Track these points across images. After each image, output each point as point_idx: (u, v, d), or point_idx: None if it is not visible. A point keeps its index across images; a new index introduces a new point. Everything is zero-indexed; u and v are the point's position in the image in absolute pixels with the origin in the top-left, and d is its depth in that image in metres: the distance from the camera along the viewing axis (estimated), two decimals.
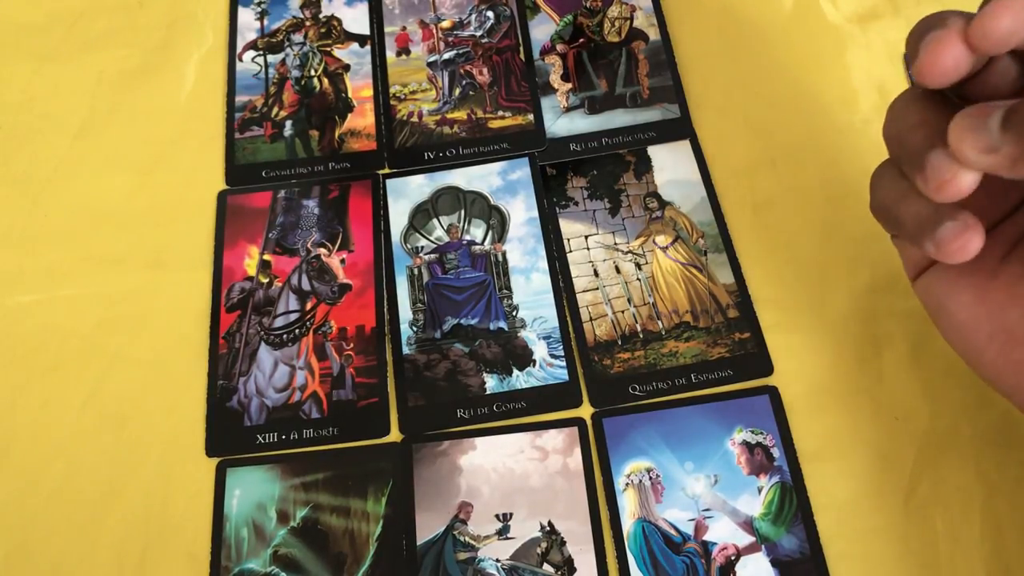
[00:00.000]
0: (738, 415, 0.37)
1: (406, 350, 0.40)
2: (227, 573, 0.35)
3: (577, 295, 0.41)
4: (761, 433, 0.37)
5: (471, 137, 0.45)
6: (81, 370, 0.40)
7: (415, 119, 0.46)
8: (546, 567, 0.35)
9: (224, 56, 0.48)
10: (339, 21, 0.49)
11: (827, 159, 0.42)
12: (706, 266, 0.41)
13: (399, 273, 0.42)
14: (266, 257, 0.42)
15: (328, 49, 0.49)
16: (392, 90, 0.47)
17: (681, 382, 0.38)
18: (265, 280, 0.42)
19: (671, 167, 0.43)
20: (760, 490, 0.36)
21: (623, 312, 0.40)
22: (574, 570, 0.35)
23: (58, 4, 0.50)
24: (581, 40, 0.48)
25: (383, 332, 0.40)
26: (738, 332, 0.39)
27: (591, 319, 0.40)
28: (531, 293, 0.41)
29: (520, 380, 0.39)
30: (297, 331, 0.40)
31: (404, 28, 0.49)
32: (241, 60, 0.48)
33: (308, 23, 0.49)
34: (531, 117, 0.45)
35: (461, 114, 0.46)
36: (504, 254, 0.42)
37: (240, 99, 0.47)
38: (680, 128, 0.44)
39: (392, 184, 0.44)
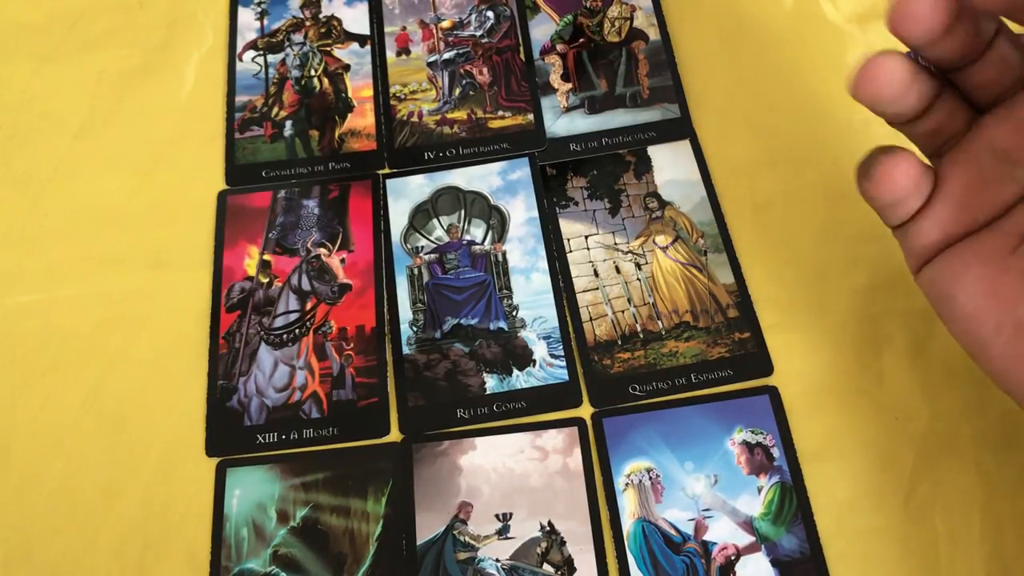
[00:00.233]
0: (738, 415, 0.37)
1: (406, 350, 0.40)
2: (227, 573, 0.35)
3: (577, 295, 0.41)
4: (761, 433, 0.37)
5: (471, 137, 0.45)
6: (81, 370, 0.40)
7: (415, 119, 0.46)
8: (546, 567, 0.35)
9: (224, 56, 0.48)
10: (339, 21, 0.49)
11: (827, 159, 0.42)
12: (706, 266, 0.41)
13: (399, 273, 0.42)
14: (266, 257, 0.42)
15: (328, 49, 0.49)
16: (392, 90, 0.47)
17: (681, 382, 0.38)
18: (265, 280, 0.42)
19: (671, 167, 0.43)
20: (760, 490, 0.36)
21: (623, 312, 0.40)
22: (574, 570, 0.35)
23: (58, 4, 0.50)
24: (581, 40, 0.48)
25: (383, 332, 0.40)
26: (738, 332, 0.39)
27: (591, 319, 0.40)
28: (531, 293, 0.41)
29: (520, 380, 0.39)
30: (297, 331, 0.40)
31: (404, 28, 0.49)
32: (241, 60, 0.48)
33: (308, 23, 0.49)
34: (531, 117, 0.45)
35: (461, 114, 0.46)
36: (504, 254, 0.42)
37: (240, 99, 0.47)
38: (680, 128, 0.44)
39: (392, 184, 0.44)
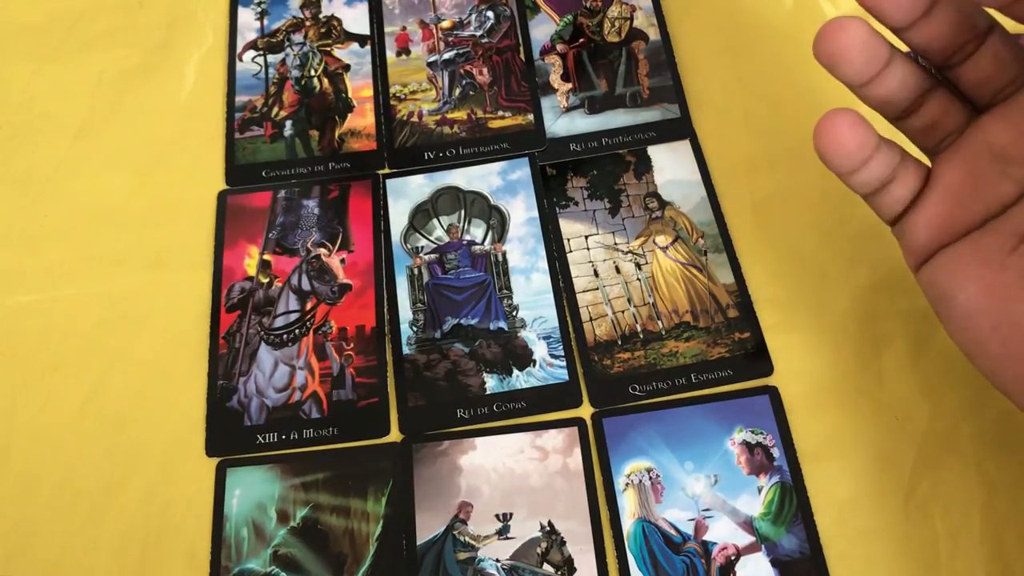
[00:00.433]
0: (738, 415, 0.37)
1: (406, 350, 0.40)
2: (227, 573, 0.35)
3: (577, 295, 0.41)
4: (761, 433, 0.37)
5: (471, 137, 0.45)
6: (81, 370, 0.40)
7: (415, 119, 0.46)
8: (546, 567, 0.35)
9: (224, 56, 0.48)
10: (339, 21, 0.49)
11: None
12: (706, 266, 0.41)
13: (399, 273, 0.42)
14: (266, 257, 0.42)
15: (328, 49, 0.49)
16: (392, 90, 0.47)
17: (681, 382, 0.38)
18: (265, 280, 0.42)
19: (671, 167, 0.43)
20: (760, 490, 0.36)
21: (623, 312, 0.40)
22: (574, 570, 0.35)
23: (58, 4, 0.50)
24: (581, 40, 0.48)
25: (383, 332, 0.40)
26: (738, 332, 0.39)
27: (591, 319, 0.40)
28: (531, 293, 0.41)
29: (520, 380, 0.39)
30: (297, 331, 0.40)
31: (404, 28, 0.49)
32: (241, 60, 0.48)
33: (308, 23, 0.49)
34: (531, 117, 0.45)
35: (461, 114, 0.46)
36: (504, 254, 0.42)
37: (240, 99, 0.47)
38: (680, 128, 0.44)
39: (392, 184, 0.44)
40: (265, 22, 0.50)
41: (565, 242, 0.42)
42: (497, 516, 0.36)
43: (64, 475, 0.37)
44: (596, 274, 0.41)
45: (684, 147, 0.44)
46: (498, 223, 0.43)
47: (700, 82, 0.46)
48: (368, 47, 0.48)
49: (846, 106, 0.29)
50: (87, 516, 0.37)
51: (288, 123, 0.46)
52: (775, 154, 0.43)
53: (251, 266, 0.42)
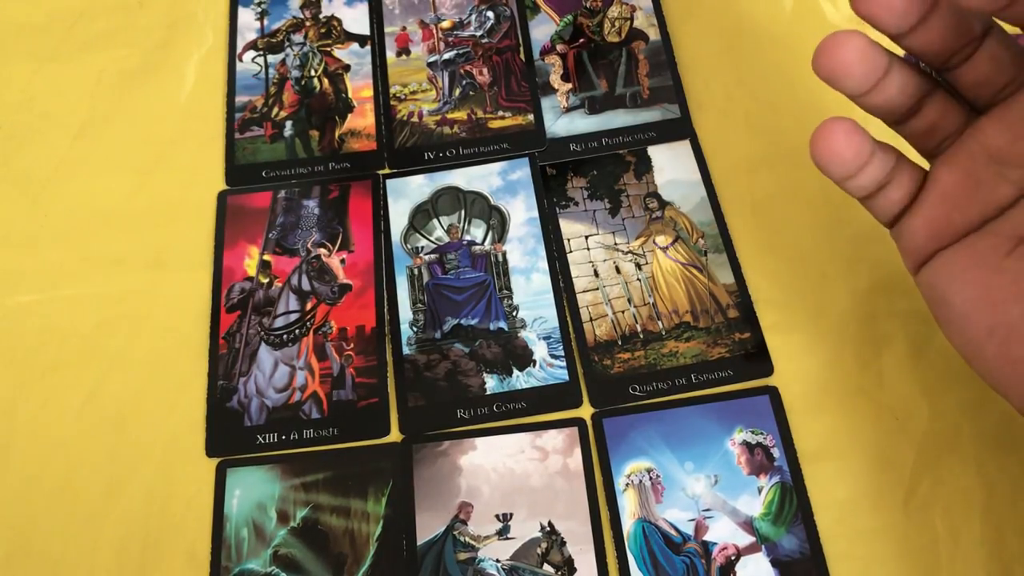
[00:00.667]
0: (738, 415, 0.37)
1: (406, 350, 0.40)
2: (227, 573, 0.35)
3: (577, 295, 0.41)
4: (761, 433, 0.37)
5: (471, 137, 0.45)
6: (81, 370, 0.40)
7: (415, 119, 0.46)
8: (546, 567, 0.35)
9: (224, 56, 0.48)
10: (339, 21, 0.49)
11: None
12: (706, 266, 0.41)
13: (399, 273, 0.42)
14: (266, 257, 0.42)
15: (328, 49, 0.49)
16: (392, 90, 0.47)
17: (681, 382, 0.38)
18: (265, 280, 0.42)
19: (671, 167, 0.43)
20: (760, 490, 0.36)
21: (623, 312, 0.40)
22: (574, 570, 0.35)
23: (58, 4, 0.50)
24: (581, 40, 0.48)
25: (383, 332, 0.40)
26: (738, 332, 0.39)
27: (591, 319, 0.40)
28: (531, 293, 0.41)
29: (520, 380, 0.39)
30: (297, 331, 0.40)
31: (404, 28, 0.49)
32: (241, 60, 0.48)
33: (308, 23, 0.49)
34: (531, 117, 0.45)
35: (461, 114, 0.46)
36: (504, 254, 0.42)
37: (240, 99, 0.47)
38: (680, 128, 0.44)
39: (392, 184, 0.44)
40: (265, 22, 0.49)
41: (565, 242, 0.42)
42: (497, 516, 0.36)
43: (64, 475, 0.37)
44: (596, 274, 0.41)
45: (684, 147, 0.44)
46: (498, 223, 0.43)
47: (700, 82, 0.46)
48: (368, 47, 0.48)
49: (845, 106, 0.29)
50: (87, 516, 0.37)
51: (288, 123, 0.46)
52: (775, 154, 0.43)
53: (251, 266, 0.42)
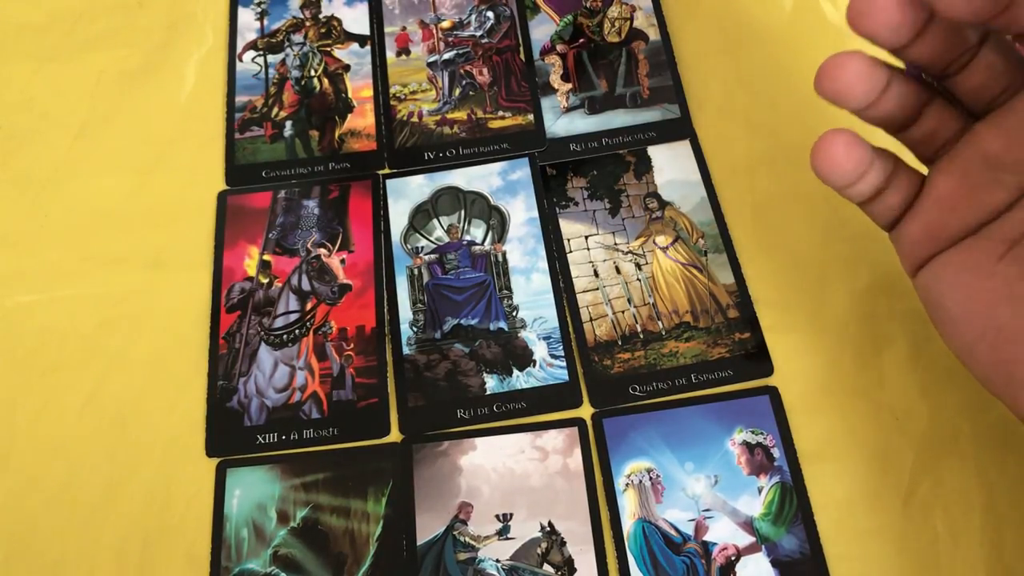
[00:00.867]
0: (738, 415, 0.37)
1: (406, 350, 0.40)
2: (227, 573, 0.35)
3: (577, 295, 0.41)
4: (761, 433, 0.37)
5: (471, 137, 0.45)
6: (81, 370, 0.40)
7: (415, 119, 0.46)
8: (546, 567, 0.35)
9: (224, 56, 0.48)
10: (339, 21, 0.49)
11: None
12: (706, 266, 0.41)
13: (399, 273, 0.42)
14: (266, 257, 0.42)
15: (328, 49, 0.49)
16: (392, 90, 0.47)
17: (681, 382, 0.38)
18: (265, 280, 0.42)
19: (671, 167, 0.43)
20: (760, 490, 0.36)
21: (623, 312, 0.40)
22: (574, 570, 0.35)
23: (58, 4, 0.50)
24: (581, 40, 0.48)
25: (383, 332, 0.40)
26: (738, 332, 0.39)
27: (591, 319, 0.40)
28: (531, 293, 0.41)
29: (520, 380, 0.39)
30: (297, 331, 0.40)
31: (404, 28, 0.49)
32: (241, 60, 0.48)
33: (308, 23, 0.49)
34: (531, 117, 0.45)
35: (461, 114, 0.46)
36: (504, 254, 0.42)
37: (240, 99, 0.47)
38: (680, 128, 0.44)
39: (392, 184, 0.44)
40: (265, 22, 0.49)
41: (565, 242, 0.42)
42: (497, 516, 0.36)
43: (64, 475, 0.37)
44: (596, 274, 0.41)
45: (684, 147, 0.44)
46: (498, 223, 0.43)
47: (700, 82, 0.46)
48: (368, 47, 0.48)
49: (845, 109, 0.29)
50: (87, 516, 0.37)
51: (288, 123, 0.46)
52: (775, 154, 0.43)
53: (251, 266, 0.42)
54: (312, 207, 0.44)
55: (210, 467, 0.38)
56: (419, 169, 0.44)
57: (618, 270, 0.41)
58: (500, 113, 0.46)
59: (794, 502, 0.35)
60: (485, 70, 0.47)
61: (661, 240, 0.42)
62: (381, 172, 0.44)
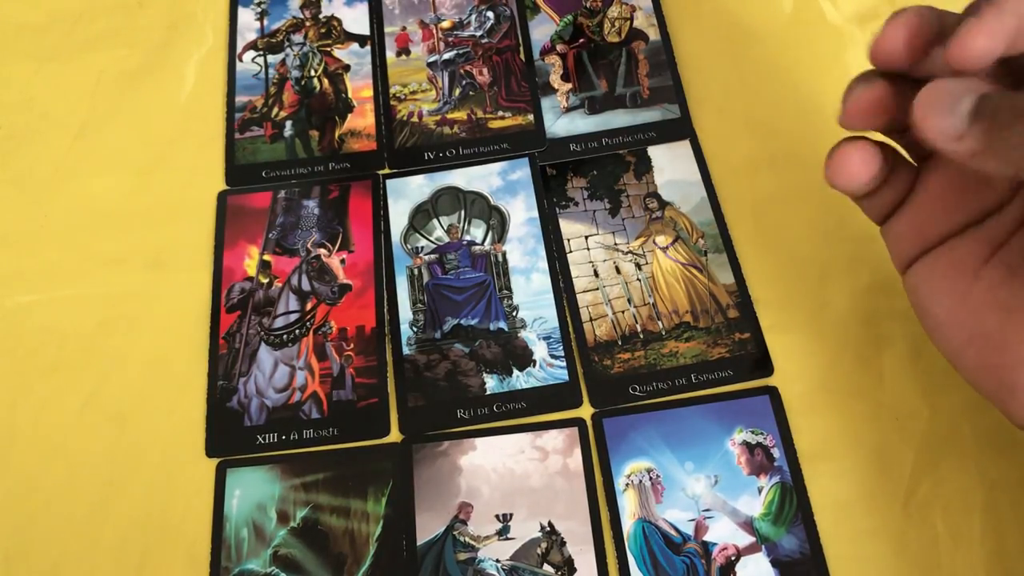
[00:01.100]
0: (738, 415, 0.37)
1: (406, 350, 0.40)
2: (227, 574, 0.35)
3: (577, 295, 0.41)
4: (761, 433, 0.37)
5: (471, 137, 0.45)
6: (81, 370, 0.40)
7: (415, 119, 0.46)
8: (546, 567, 0.35)
9: (224, 56, 0.48)
10: (339, 21, 0.49)
11: None
12: (706, 266, 0.41)
13: (399, 273, 0.42)
14: (266, 257, 0.42)
15: (328, 49, 0.49)
16: (392, 90, 0.47)
17: (681, 382, 0.38)
18: (265, 280, 0.42)
19: (671, 167, 0.43)
20: (760, 490, 0.36)
21: (623, 312, 0.40)
22: (574, 570, 0.35)
23: (58, 4, 0.50)
24: (581, 40, 0.48)
25: (383, 332, 0.40)
26: (738, 332, 0.39)
27: (591, 319, 0.40)
28: (531, 293, 0.41)
29: (520, 380, 0.39)
30: (297, 331, 0.40)
31: (404, 28, 0.49)
32: (241, 60, 0.48)
33: (308, 23, 0.49)
34: (531, 117, 0.45)
35: (461, 114, 0.46)
36: (504, 254, 0.42)
37: (240, 99, 0.47)
38: (680, 128, 0.44)
39: (392, 184, 0.44)
40: (265, 22, 0.49)
41: (565, 242, 0.42)
42: (497, 516, 0.36)
43: (64, 476, 0.37)
44: (596, 274, 0.41)
45: (684, 147, 0.44)
46: (498, 223, 0.43)
47: (700, 82, 0.46)
48: (368, 47, 0.48)
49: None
50: (87, 516, 0.37)
51: (288, 123, 0.46)
52: (775, 154, 0.43)
53: (251, 266, 0.42)
54: (312, 207, 0.44)
55: (210, 467, 0.37)
56: (419, 169, 0.44)
57: (618, 270, 0.41)
58: (500, 113, 0.46)
59: (794, 502, 0.35)
60: (485, 70, 0.47)
61: (661, 240, 0.42)
62: (381, 172, 0.44)
